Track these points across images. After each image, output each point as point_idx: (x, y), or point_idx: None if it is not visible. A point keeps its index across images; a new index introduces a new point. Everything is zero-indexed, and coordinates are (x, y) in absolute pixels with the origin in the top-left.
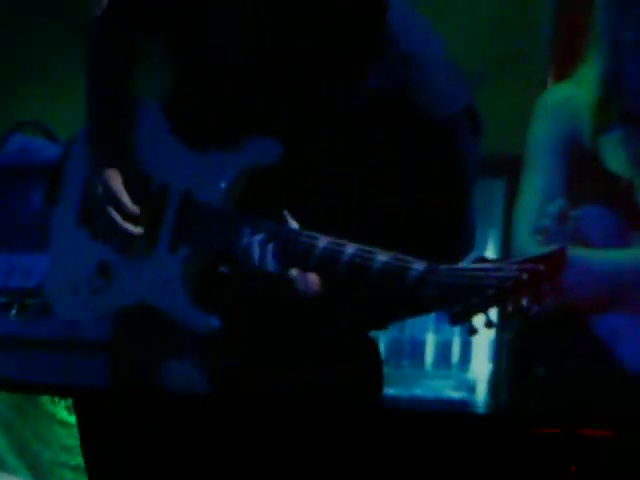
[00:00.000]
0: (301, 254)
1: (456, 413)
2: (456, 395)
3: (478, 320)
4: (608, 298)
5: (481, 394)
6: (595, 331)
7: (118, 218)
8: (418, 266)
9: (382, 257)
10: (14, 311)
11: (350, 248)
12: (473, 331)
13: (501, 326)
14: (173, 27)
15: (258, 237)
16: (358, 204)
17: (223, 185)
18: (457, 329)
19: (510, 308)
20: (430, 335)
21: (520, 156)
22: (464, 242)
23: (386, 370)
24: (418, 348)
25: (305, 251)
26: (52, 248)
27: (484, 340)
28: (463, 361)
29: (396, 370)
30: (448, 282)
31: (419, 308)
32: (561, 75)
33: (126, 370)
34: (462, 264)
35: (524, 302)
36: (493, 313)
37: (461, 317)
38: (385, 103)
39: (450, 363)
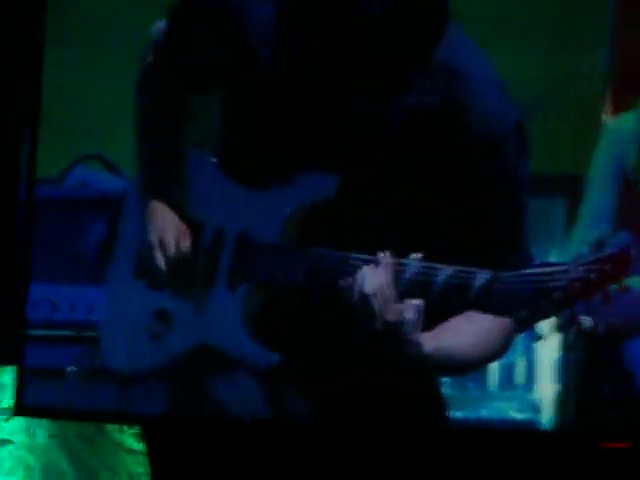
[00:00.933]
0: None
1: (523, 431)
2: (521, 416)
3: (544, 325)
4: None
5: (546, 414)
6: None
7: (175, 265)
8: (482, 275)
9: (445, 271)
10: (70, 368)
11: (412, 266)
12: (539, 337)
13: (566, 345)
14: (219, 84)
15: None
16: (413, 224)
17: (279, 222)
18: (520, 349)
19: (575, 312)
20: None
21: (580, 176)
22: (524, 254)
23: (452, 393)
24: (482, 370)
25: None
26: (108, 299)
27: (548, 360)
28: (528, 382)
29: (461, 393)
30: (514, 288)
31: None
32: (620, 97)
33: (189, 399)
34: (526, 269)
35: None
36: (559, 318)
37: (528, 322)
38: (434, 120)
39: (514, 384)
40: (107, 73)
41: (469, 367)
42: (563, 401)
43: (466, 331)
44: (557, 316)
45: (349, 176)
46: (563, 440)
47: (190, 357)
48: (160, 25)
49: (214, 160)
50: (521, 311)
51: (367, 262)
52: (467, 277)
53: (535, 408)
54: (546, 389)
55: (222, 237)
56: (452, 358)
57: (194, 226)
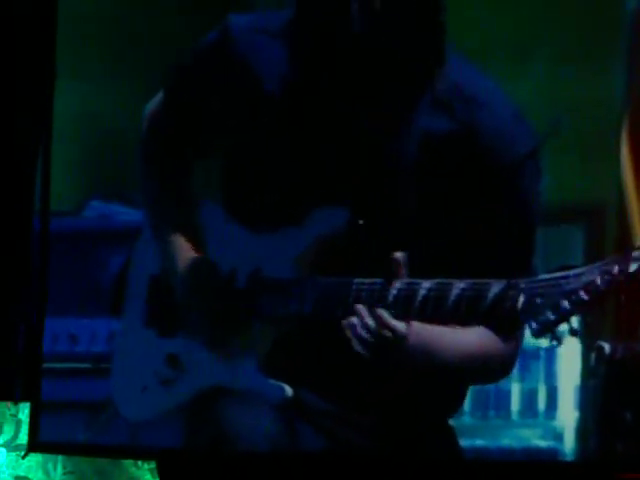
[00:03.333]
0: (374, 299)
1: (544, 461)
2: (543, 444)
3: (560, 330)
4: None
5: (569, 442)
6: None
7: (193, 309)
8: (497, 285)
9: (459, 285)
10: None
11: (426, 284)
12: (559, 341)
13: (587, 371)
14: (222, 144)
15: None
16: (426, 249)
17: (290, 261)
18: (542, 377)
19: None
20: (515, 384)
21: (599, 202)
22: (533, 273)
23: (473, 421)
24: (504, 398)
25: (379, 296)
26: (116, 357)
27: (570, 387)
28: (549, 409)
29: (483, 421)
30: (529, 294)
31: (505, 326)
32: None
33: (204, 432)
34: (541, 275)
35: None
36: (576, 321)
37: (545, 326)
38: (449, 146)
39: (536, 411)
40: (122, 103)
41: (450, 372)
42: (585, 429)
43: (445, 332)
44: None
45: (360, 208)
46: (584, 471)
47: (203, 397)
48: (155, 99)
49: (222, 207)
50: (537, 315)
51: (375, 286)
52: (482, 288)
53: (557, 436)
54: (568, 416)
55: (234, 278)
56: (431, 353)
57: (210, 268)
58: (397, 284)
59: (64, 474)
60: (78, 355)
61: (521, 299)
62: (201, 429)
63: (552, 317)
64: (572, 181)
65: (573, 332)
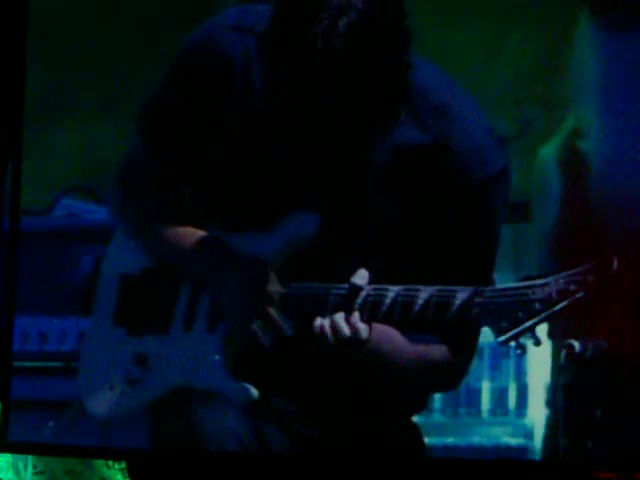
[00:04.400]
0: (343, 304)
1: (514, 460)
2: (514, 442)
3: (526, 339)
4: None
5: (539, 440)
6: None
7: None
8: (463, 293)
9: (426, 291)
10: (51, 423)
11: (393, 290)
12: (522, 348)
13: (557, 370)
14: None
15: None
16: (396, 260)
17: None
18: (512, 375)
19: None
20: (485, 382)
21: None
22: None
23: (443, 419)
24: (474, 396)
25: (347, 301)
26: (85, 355)
27: (540, 385)
28: (520, 407)
29: (453, 419)
30: (495, 302)
31: (470, 333)
32: None
33: (172, 434)
34: (508, 284)
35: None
36: (541, 330)
37: (508, 334)
38: (419, 158)
39: (507, 409)
40: (92, 104)
41: (394, 375)
42: (555, 427)
43: (396, 335)
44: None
45: (330, 214)
46: (555, 469)
47: (170, 397)
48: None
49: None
50: (502, 322)
51: (343, 291)
52: (449, 295)
53: (527, 434)
54: (539, 414)
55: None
56: (380, 355)
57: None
58: (365, 290)
59: (34, 474)
60: (48, 354)
61: (486, 306)
62: (169, 429)
63: (516, 326)
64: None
65: (537, 342)
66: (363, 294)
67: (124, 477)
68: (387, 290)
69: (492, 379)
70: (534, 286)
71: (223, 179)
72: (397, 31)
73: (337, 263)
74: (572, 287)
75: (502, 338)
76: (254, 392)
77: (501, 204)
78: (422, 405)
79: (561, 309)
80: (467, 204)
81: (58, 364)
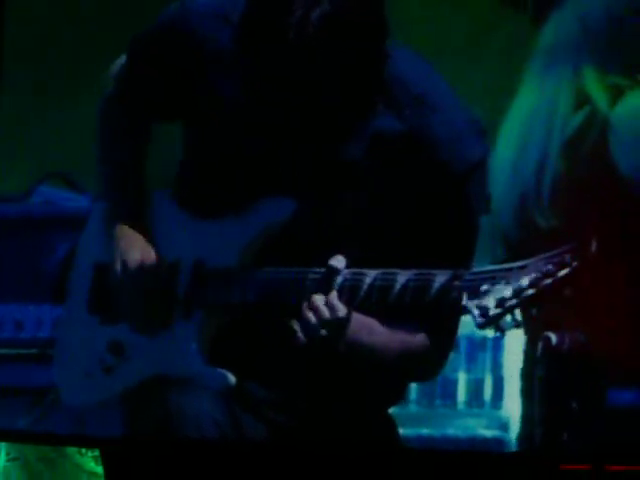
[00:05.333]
0: (320, 288)
1: (487, 452)
2: (489, 433)
3: (505, 321)
4: None
5: (514, 431)
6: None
7: (136, 287)
8: (441, 275)
9: (405, 274)
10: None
11: (371, 273)
12: (501, 330)
13: (532, 361)
14: (179, 115)
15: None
16: (372, 249)
17: (236, 250)
18: (488, 367)
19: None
20: (462, 374)
21: None
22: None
23: (419, 410)
24: (450, 387)
25: (324, 285)
26: (59, 343)
27: (516, 377)
28: (495, 399)
29: (429, 410)
30: (473, 285)
31: (449, 318)
32: None
33: (148, 421)
34: (486, 267)
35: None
36: (519, 312)
37: (487, 317)
38: (396, 146)
39: (482, 401)
40: (70, 91)
41: (373, 364)
42: (530, 419)
43: (374, 323)
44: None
45: (307, 201)
46: (529, 461)
47: (146, 384)
48: (121, 58)
49: (169, 194)
50: (480, 306)
51: (321, 276)
52: (427, 278)
53: (503, 425)
54: (514, 406)
55: (177, 268)
56: (358, 343)
57: (155, 258)
58: (342, 274)
59: (8, 460)
60: (24, 341)
61: (465, 289)
62: (145, 416)
63: (495, 309)
64: None
65: (517, 324)
66: (340, 278)
67: (97, 464)
68: (364, 275)
69: (468, 371)
70: (512, 268)
71: (195, 164)
72: (373, 22)
73: (311, 250)
74: (550, 268)
75: (481, 321)
76: (231, 378)
77: (479, 195)
78: (401, 395)
79: (540, 290)
80: (445, 194)
81: (34, 351)
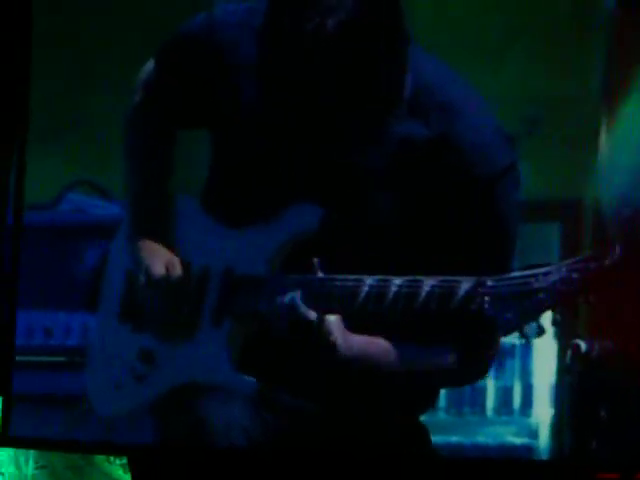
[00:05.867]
0: (347, 296)
1: (518, 460)
2: (518, 441)
3: (529, 328)
4: None
5: (544, 439)
6: None
7: (163, 298)
8: (466, 282)
9: (429, 282)
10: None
11: (396, 280)
12: (526, 338)
13: (562, 369)
14: (206, 115)
15: (292, 292)
16: (399, 255)
17: (264, 258)
18: (517, 374)
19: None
20: (490, 381)
21: (574, 200)
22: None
23: (447, 418)
24: (479, 395)
25: (351, 292)
26: (91, 352)
27: (545, 384)
28: (524, 406)
29: (457, 418)
30: (497, 292)
31: (475, 326)
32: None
33: (177, 429)
34: (510, 274)
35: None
36: (545, 320)
37: (513, 324)
38: (424, 153)
39: (512, 409)
40: (98, 99)
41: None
42: (560, 427)
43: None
44: (539, 318)
45: (334, 207)
46: (559, 469)
47: (176, 392)
48: (149, 65)
49: (198, 201)
50: (506, 313)
51: (347, 283)
52: (452, 285)
53: (532, 433)
54: (543, 414)
55: (207, 276)
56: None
57: (182, 265)
58: (368, 281)
59: (36, 468)
60: (53, 348)
61: (489, 296)
62: (176, 424)
63: (520, 315)
64: (548, 176)
65: (541, 331)
66: (367, 285)
67: (125, 472)
68: (389, 281)
69: (497, 378)
70: (537, 274)
71: (222, 171)
72: (391, 30)
73: (337, 256)
74: (574, 275)
75: (505, 328)
76: (259, 385)
77: (511, 198)
78: (431, 403)
79: (563, 297)
80: (471, 201)
81: (63, 359)
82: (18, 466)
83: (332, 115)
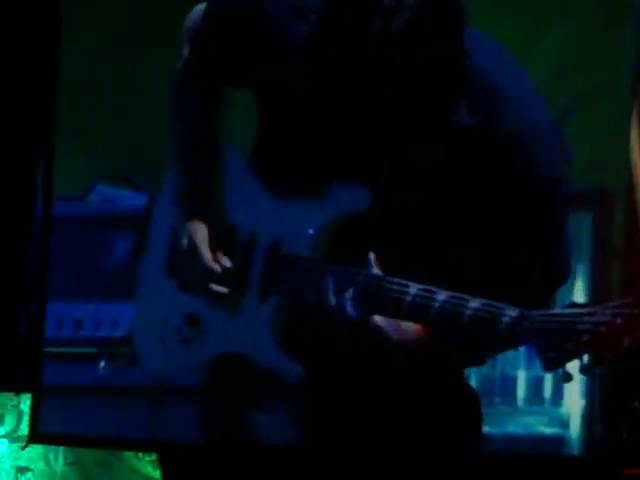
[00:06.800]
0: (391, 301)
1: (550, 455)
2: (549, 431)
3: (572, 366)
4: None
5: (575, 429)
6: None
7: (204, 274)
8: (510, 312)
9: (473, 304)
10: (103, 363)
11: (441, 295)
12: (568, 377)
13: (594, 360)
14: (254, 82)
15: (342, 286)
16: (447, 250)
17: (311, 234)
18: None
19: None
20: (521, 371)
21: (607, 189)
22: (560, 280)
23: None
24: (509, 385)
25: (396, 298)
26: (139, 297)
27: (576, 374)
28: (555, 396)
29: (488, 408)
30: (541, 328)
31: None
32: None
33: (216, 420)
34: (554, 310)
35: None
36: (587, 358)
37: (555, 363)
38: (477, 144)
39: (542, 399)
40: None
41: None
42: (591, 417)
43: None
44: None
45: (383, 192)
46: (590, 463)
47: (220, 365)
48: (194, 15)
49: (244, 160)
50: (548, 352)
51: (394, 286)
52: (495, 312)
53: (563, 423)
54: (574, 404)
55: (253, 246)
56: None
57: (226, 228)
58: (412, 290)
59: (65, 465)
60: (83, 340)
61: (534, 333)
62: (211, 416)
63: (562, 354)
64: (579, 167)
65: (583, 370)
66: (411, 293)
67: (154, 469)
68: (434, 294)
69: (528, 368)
70: (581, 314)
71: (269, 138)
72: (452, 20)
73: (380, 242)
74: (618, 320)
75: (550, 369)
76: (301, 371)
77: (566, 202)
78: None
79: (607, 342)
80: (531, 198)
81: (92, 350)
82: (48, 462)
83: (394, 112)
